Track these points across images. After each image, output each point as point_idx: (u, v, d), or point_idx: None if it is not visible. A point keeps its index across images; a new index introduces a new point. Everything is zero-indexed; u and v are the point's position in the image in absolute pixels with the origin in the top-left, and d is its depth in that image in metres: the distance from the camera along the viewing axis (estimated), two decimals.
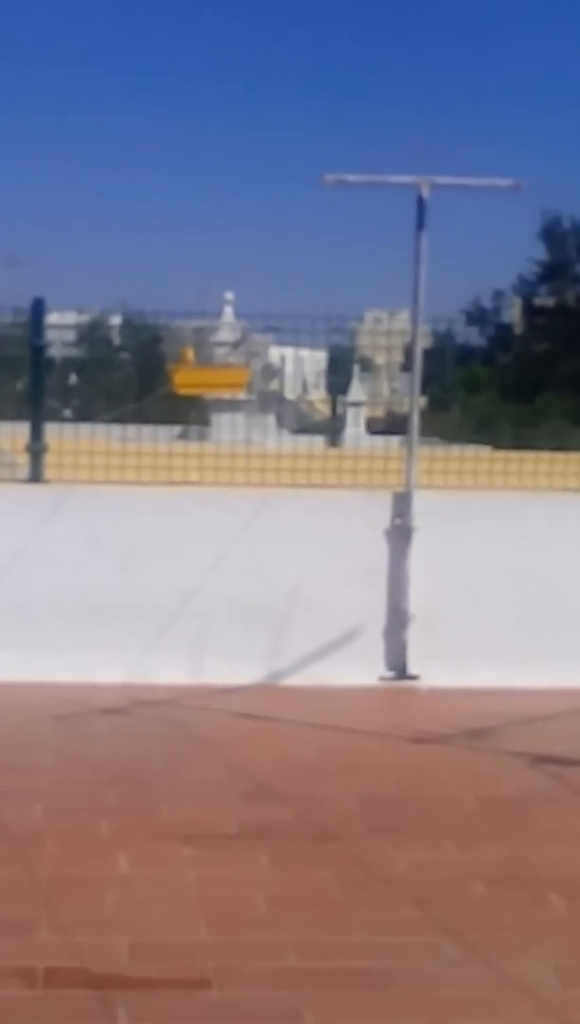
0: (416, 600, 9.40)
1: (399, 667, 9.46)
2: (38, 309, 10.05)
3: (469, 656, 9.32)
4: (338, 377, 18.09)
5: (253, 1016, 4.60)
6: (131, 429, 11.57)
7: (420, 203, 9.34)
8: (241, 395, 17.22)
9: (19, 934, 5.16)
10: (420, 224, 9.36)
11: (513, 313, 61.30)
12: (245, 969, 4.94)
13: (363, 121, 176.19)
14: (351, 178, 9.57)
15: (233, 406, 17.60)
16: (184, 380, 12.54)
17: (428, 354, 9.91)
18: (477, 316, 59.65)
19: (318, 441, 16.81)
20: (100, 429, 11.44)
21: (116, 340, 36.69)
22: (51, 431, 10.12)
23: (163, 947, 5.11)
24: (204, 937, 5.22)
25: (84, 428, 11.45)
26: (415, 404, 9.64)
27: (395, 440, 13.78)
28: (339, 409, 19.59)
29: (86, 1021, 4.51)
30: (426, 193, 9.32)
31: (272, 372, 21.75)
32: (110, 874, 5.82)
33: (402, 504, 9.47)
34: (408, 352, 10.79)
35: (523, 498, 9.97)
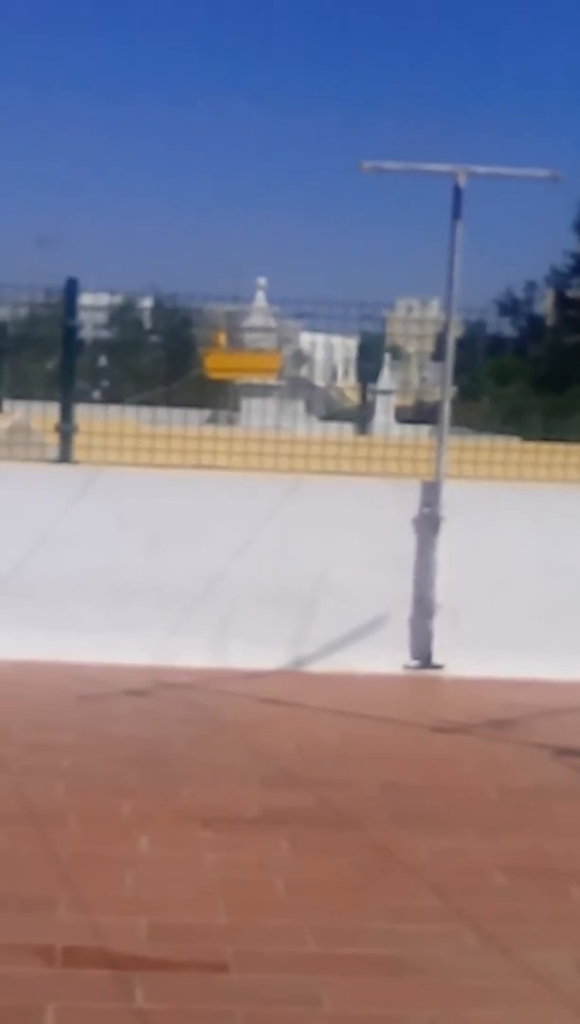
0: (442, 589, 9.40)
1: (424, 656, 9.45)
2: (71, 289, 10.05)
3: (494, 646, 9.31)
4: (368, 365, 18.05)
5: (271, 1000, 4.60)
6: (160, 412, 11.59)
7: (456, 192, 9.31)
8: (271, 380, 17.23)
9: (39, 912, 5.18)
10: (456, 213, 9.34)
11: (545, 304, 61.13)
12: (263, 953, 4.95)
13: (400, 108, 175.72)
14: (388, 165, 9.56)
15: (262, 391, 17.60)
16: (216, 364, 12.57)
17: (459, 344, 9.89)
18: (509, 307, 59.47)
19: (347, 429, 16.80)
20: (129, 411, 11.42)
21: (147, 323, 36.67)
22: (80, 412, 10.14)
23: (182, 929, 5.12)
24: (223, 920, 5.23)
25: (113, 410, 11.43)
26: (447, 393, 9.62)
27: (424, 429, 13.76)
28: (369, 397, 19.56)
29: (103, 1000, 4.52)
30: (462, 182, 9.29)
31: (302, 358, 21.74)
32: (130, 854, 5.83)
33: (431, 493, 9.46)
34: (439, 341, 10.78)
35: (552, 490, 9.94)
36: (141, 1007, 4.48)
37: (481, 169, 9.44)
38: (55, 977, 4.68)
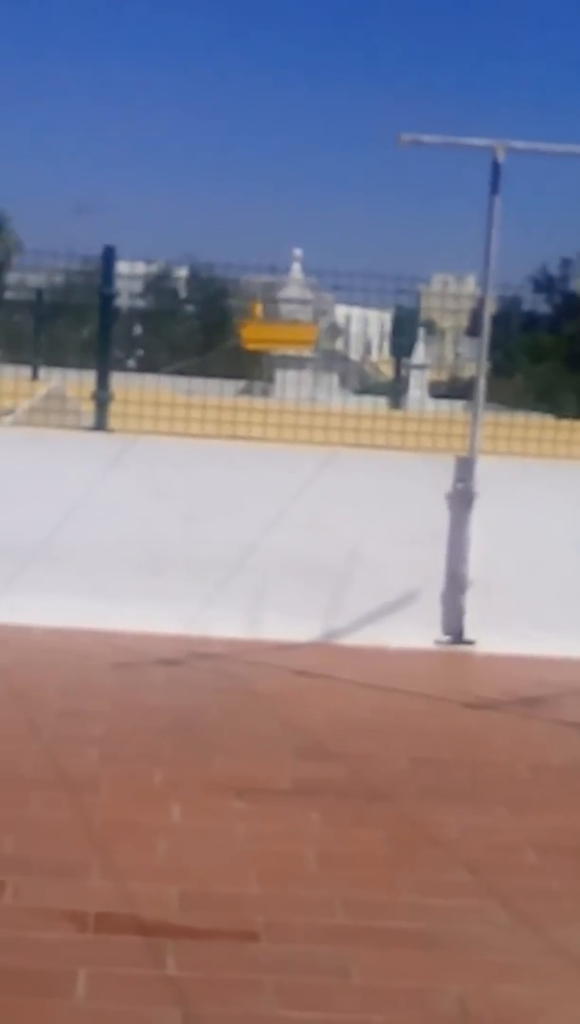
0: (475, 565, 9.39)
1: (455, 632, 9.45)
2: (109, 257, 10.04)
3: (526, 623, 9.30)
4: (403, 339, 18.04)
5: (300, 970, 4.62)
6: (195, 382, 11.59)
7: (495, 167, 9.26)
8: (306, 353, 17.22)
9: (71, 878, 5.21)
10: (494, 188, 9.29)
11: None
12: (293, 923, 4.97)
13: (439, 83, 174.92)
14: (426, 139, 9.51)
15: (297, 363, 17.61)
16: (252, 335, 12.54)
17: (494, 320, 9.85)
18: (544, 284, 59.18)
19: (381, 403, 16.78)
20: (164, 380, 11.44)
21: (182, 292, 36.65)
22: (116, 381, 10.14)
23: (213, 897, 5.15)
24: (254, 890, 5.25)
25: (148, 379, 11.45)
26: (482, 369, 9.60)
27: (458, 404, 13.74)
28: (402, 371, 19.54)
29: (134, 967, 4.55)
30: (501, 157, 9.24)
31: (337, 331, 21.73)
32: (163, 823, 5.86)
33: (465, 469, 9.44)
34: (474, 317, 10.75)
35: None
36: (171, 974, 4.51)
37: (520, 144, 9.37)
38: (87, 943, 4.71)
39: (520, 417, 11.11)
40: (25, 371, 12.82)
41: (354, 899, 5.21)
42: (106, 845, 5.52)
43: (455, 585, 9.44)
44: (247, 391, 16.72)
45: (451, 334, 24.45)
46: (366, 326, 25.18)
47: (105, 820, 5.83)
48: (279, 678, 8.40)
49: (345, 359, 21.72)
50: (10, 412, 10.67)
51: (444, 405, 15.22)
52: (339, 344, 21.89)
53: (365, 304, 14.41)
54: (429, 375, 23.59)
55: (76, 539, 9.17)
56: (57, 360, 14.08)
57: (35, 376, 13.41)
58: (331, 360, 20.17)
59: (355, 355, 23.83)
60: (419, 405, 17.78)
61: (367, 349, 26.84)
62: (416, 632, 9.29)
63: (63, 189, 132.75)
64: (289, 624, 9.14)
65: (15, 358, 13.95)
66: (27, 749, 6.70)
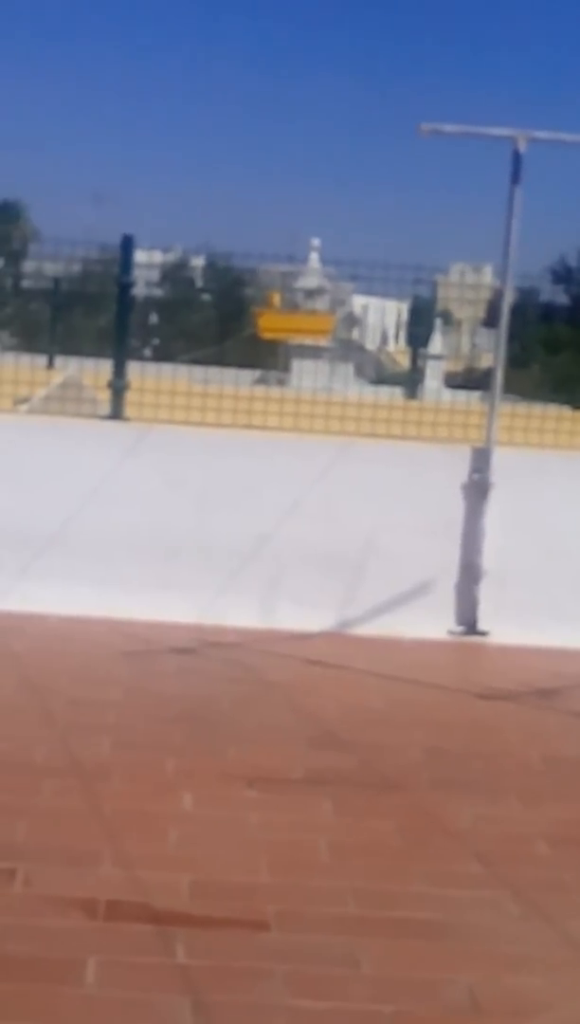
0: (490, 556, 9.37)
1: (469, 622, 9.44)
2: (127, 246, 10.05)
3: (540, 614, 9.29)
4: (419, 329, 18.01)
5: (310, 960, 4.61)
6: (211, 371, 11.58)
7: (516, 157, 9.23)
8: (323, 342, 17.21)
9: (82, 866, 5.21)
10: (515, 178, 9.26)
11: None
12: (304, 913, 4.97)
13: (459, 73, 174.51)
14: (447, 128, 9.49)
15: (313, 353, 17.59)
16: (269, 324, 12.54)
17: (512, 311, 9.82)
18: (563, 275, 59.04)
19: (397, 393, 16.77)
20: (180, 369, 11.43)
21: (199, 281, 36.66)
22: (132, 370, 10.15)
23: (224, 887, 5.14)
24: (265, 879, 5.25)
25: (164, 368, 11.44)
26: (500, 359, 9.58)
27: (474, 395, 13.71)
28: (419, 362, 19.52)
29: (145, 955, 4.55)
30: (523, 147, 9.21)
31: (353, 321, 21.72)
32: (174, 812, 5.86)
33: (481, 459, 9.43)
34: (492, 307, 10.73)
35: None
36: (182, 963, 4.51)
37: (542, 134, 9.35)
38: (97, 931, 4.71)
39: (537, 408, 11.08)
40: (41, 360, 12.82)
41: (365, 889, 5.21)
42: (117, 833, 5.52)
43: (470, 576, 9.43)
44: (263, 380, 16.70)
45: (468, 324, 24.42)
46: (383, 316, 25.15)
47: (116, 808, 5.83)
48: (292, 668, 8.39)
49: (361, 349, 21.71)
50: (26, 401, 10.68)
51: (460, 396, 15.15)
52: (356, 334, 21.87)
53: (382, 294, 14.40)
54: (445, 365, 23.54)
55: (91, 528, 9.17)
56: (73, 349, 14.11)
57: (51, 365, 13.42)
58: (348, 350, 20.15)
59: (371, 345, 23.81)
60: (435, 395, 17.72)
61: (384, 339, 26.80)
62: (430, 622, 9.28)
63: (81, 178, 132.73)
64: (303, 614, 9.13)
65: (31, 347, 13.97)
66: (40, 737, 6.70)
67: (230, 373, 11.54)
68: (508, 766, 6.90)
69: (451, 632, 9.43)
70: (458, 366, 24.78)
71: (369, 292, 15.53)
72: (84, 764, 6.31)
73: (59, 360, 13.61)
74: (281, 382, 16.47)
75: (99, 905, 4.87)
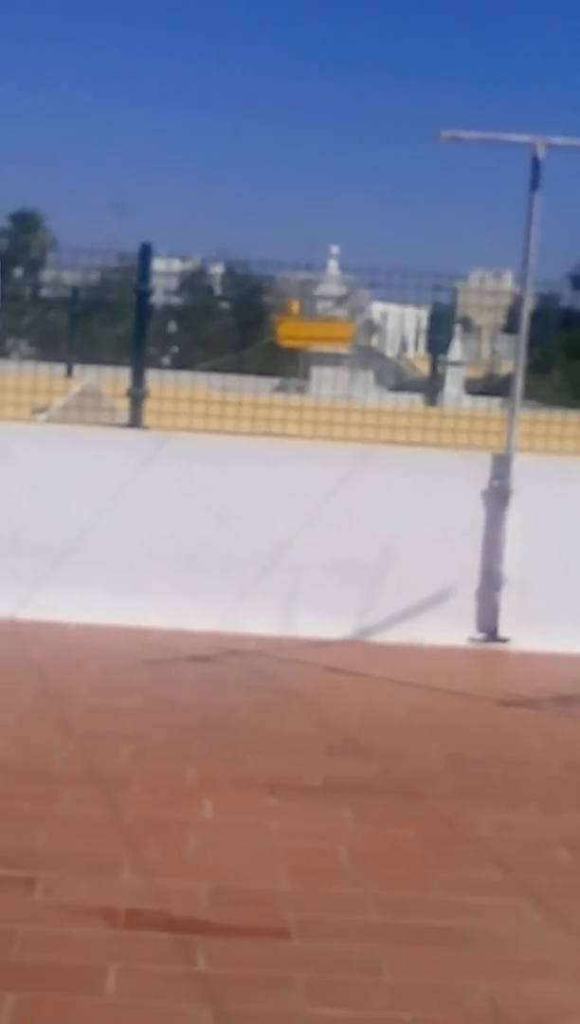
0: (510, 563, 9.35)
1: (490, 629, 9.42)
2: (145, 255, 10.06)
3: (561, 622, 9.26)
4: (439, 336, 17.97)
5: (331, 968, 4.60)
6: (230, 379, 11.59)
7: (535, 163, 9.23)
8: (342, 350, 17.19)
9: (103, 874, 5.20)
10: (534, 184, 9.26)
11: None
12: (325, 921, 4.95)
13: (478, 80, 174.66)
14: (466, 135, 9.48)
15: (332, 360, 17.58)
16: (289, 332, 12.53)
17: (532, 317, 9.81)
18: None
19: (416, 399, 16.75)
20: (199, 377, 11.44)
21: (217, 289, 36.71)
22: (150, 378, 10.16)
23: (244, 894, 5.13)
24: (285, 887, 5.23)
25: (183, 376, 11.45)
26: (520, 366, 9.56)
27: (494, 401, 13.69)
28: (438, 368, 19.49)
29: (165, 963, 4.54)
30: (541, 153, 9.21)
31: (373, 328, 21.71)
32: (194, 819, 5.85)
33: (501, 466, 9.41)
34: (511, 314, 10.70)
35: None
36: (202, 971, 4.49)
37: (560, 140, 9.35)
38: (117, 939, 4.70)
39: (557, 414, 11.05)
40: (59, 368, 12.84)
41: (386, 897, 5.19)
42: (137, 841, 5.51)
43: (490, 582, 9.41)
44: (282, 388, 16.69)
45: (488, 331, 24.42)
46: (402, 323, 25.16)
47: (136, 816, 5.82)
48: (312, 675, 8.38)
49: (381, 356, 21.72)
50: (44, 410, 10.69)
51: (481, 402, 15.16)
52: (375, 341, 21.88)
53: (402, 301, 14.40)
54: (465, 372, 23.52)
55: (110, 536, 9.17)
56: (91, 357, 14.09)
57: (69, 373, 13.43)
58: (367, 357, 20.15)
59: (391, 352, 23.82)
60: (455, 402, 17.70)
61: (403, 346, 26.81)
62: (450, 629, 9.27)
63: (99, 187, 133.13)
64: (323, 621, 9.12)
65: (50, 356, 13.98)
66: (59, 745, 6.70)
67: (249, 381, 11.53)
68: (529, 773, 6.87)
69: (472, 639, 9.41)
70: (478, 372, 24.77)
71: (388, 299, 15.53)
72: (103, 772, 6.30)
73: (77, 369, 13.61)
74: (301, 390, 16.47)
75: (119, 913, 4.85)
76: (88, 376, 12.25)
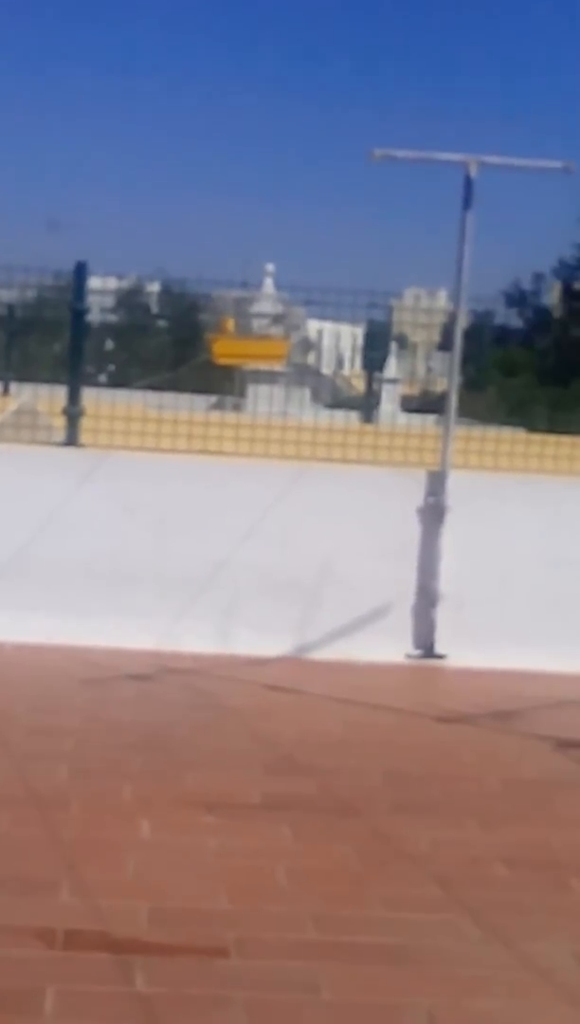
0: (446, 579, 9.39)
1: (426, 646, 9.45)
2: (81, 273, 10.05)
3: (497, 637, 9.31)
4: (374, 353, 18.05)
5: (270, 986, 4.60)
6: (166, 397, 11.58)
7: (467, 182, 9.28)
8: (278, 367, 17.21)
9: (40, 895, 5.18)
10: (467, 203, 9.31)
11: (552, 296, 60.94)
12: (264, 939, 4.95)
13: (410, 99, 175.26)
14: (399, 154, 9.54)
15: (269, 378, 17.61)
16: (224, 350, 12.54)
17: (466, 334, 9.87)
18: (516, 298, 59.24)
19: (352, 417, 16.80)
20: (135, 395, 11.42)
21: (154, 307, 36.68)
22: (87, 396, 10.14)
23: (183, 913, 5.12)
24: (224, 905, 5.23)
25: (119, 394, 11.43)
26: (454, 383, 9.61)
27: (430, 419, 13.75)
28: (374, 386, 19.55)
29: (104, 984, 4.53)
30: (474, 172, 9.26)
31: (309, 345, 21.75)
32: (132, 839, 5.84)
33: (436, 483, 9.45)
34: (446, 331, 10.77)
35: (557, 482, 9.93)
36: (141, 991, 4.49)
37: (493, 159, 9.41)
38: (56, 960, 4.68)
39: (492, 431, 11.12)
40: None
41: (324, 914, 5.20)
42: (75, 862, 5.49)
43: (426, 599, 9.44)
44: (219, 406, 16.70)
45: (423, 348, 24.50)
46: (338, 340, 25.19)
47: (75, 837, 5.81)
48: (250, 693, 8.38)
49: (317, 373, 21.73)
50: None
51: (416, 419, 15.20)
52: (311, 358, 21.90)
53: (337, 318, 14.43)
54: (401, 389, 23.58)
55: (47, 555, 9.14)
56: (28, 375, 14.06)
57: (6, 391, 13.39)
58: (303, 374, 20.17)
59: (327, 369, 23.84)
60: (391, 419, 17.77)
61: (339, 363, 26.85)
62: (387, 646, 9.29)
63: (35, 204, 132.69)
64: (260, 639, 9.13)
65: None
66: None
67: (185, 399, 11.52)
68: (466, 789, 6.90)
69: (409, 656, 9.44)
70: (414, 389, 24.84)
71: (324, 317, 15.54)
72: (41, 792, 6.28)
73: (13, 387, 13.58)
74: (237, 407, 16.48)
75: (57, 934, 4.84)
76: (24, 394, 12.22)
